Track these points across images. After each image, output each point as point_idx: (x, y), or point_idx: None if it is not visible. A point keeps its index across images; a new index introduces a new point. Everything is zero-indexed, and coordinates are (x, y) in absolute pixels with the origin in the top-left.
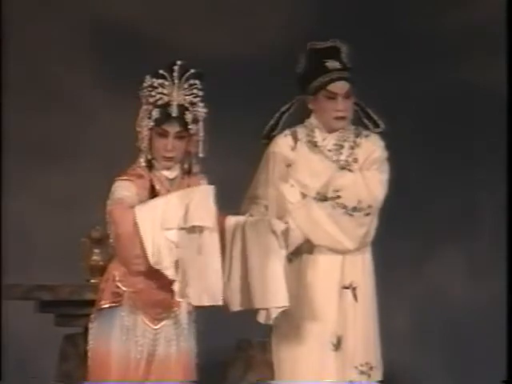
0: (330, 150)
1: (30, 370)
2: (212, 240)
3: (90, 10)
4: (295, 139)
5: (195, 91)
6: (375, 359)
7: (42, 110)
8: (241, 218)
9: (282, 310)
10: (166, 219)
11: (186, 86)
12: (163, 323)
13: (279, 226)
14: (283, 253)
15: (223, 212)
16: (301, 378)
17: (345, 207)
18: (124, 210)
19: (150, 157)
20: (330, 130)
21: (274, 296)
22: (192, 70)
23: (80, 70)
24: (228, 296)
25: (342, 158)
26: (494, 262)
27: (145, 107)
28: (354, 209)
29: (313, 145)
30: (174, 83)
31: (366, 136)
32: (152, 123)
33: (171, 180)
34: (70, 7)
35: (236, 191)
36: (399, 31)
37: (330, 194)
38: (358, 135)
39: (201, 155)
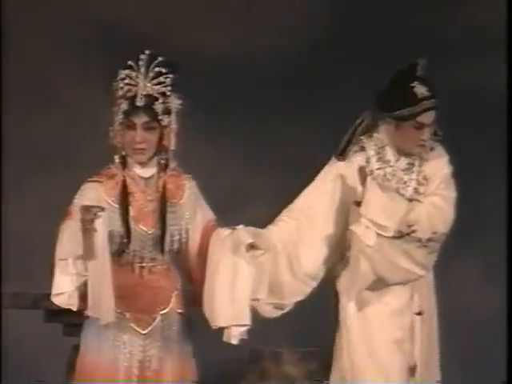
0: (403, 170)
1: (37, 380)
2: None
3: (90, 9)
4: (363, 171)
5: (162, 79)
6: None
7: (42, 112)
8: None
9: (244, 328)
10: (60, 250)
11: (152, 74)
12: (151, 327)
13: (246, 238)
14: (249, 268)
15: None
16: None
17: (419, 240)
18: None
19: (123, 153)
20: (404, 154)
21: (236, 314)
22: (160, 58)
23: (79, 71)
24: (211, 310)
25: (413, 177)
26: (493, 262)
27: (117, 101)
28: (430, 239)
29: (383, 163)
30: (140, 72)
31: (431, 149)
32: (121, 116)
33: (146, 179)
34: (70, 7)
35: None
36: (399, 31)
37: (405, 230)
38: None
39: (172, 148)
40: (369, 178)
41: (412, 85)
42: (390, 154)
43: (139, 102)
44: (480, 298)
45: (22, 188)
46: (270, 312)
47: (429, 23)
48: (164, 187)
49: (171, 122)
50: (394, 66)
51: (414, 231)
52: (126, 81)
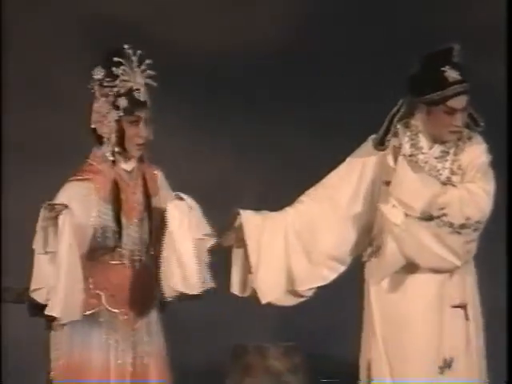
0: (436, 158)
1: (27, 373)
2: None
3: (90, 9)
4: (396, 151)
5: (150, 72)
6: (484, 376)
7: (42, 111)
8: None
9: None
10: (37, 246)
11: (143, 68)
12: (139, 323)
13: (183, 205)
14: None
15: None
16: None
17: (451, 225)
18: (37, 226)
19: (117, 149)
20: (439, 141)
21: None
22: (139, 51)
23: (79, 71)
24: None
25: (447, 165)
26: (493, 262)
27: (103, 100)
28: (463, 226)
29: (416, 150)
30: (132, 68)
31: (469, 138)
32: (121, 113)
33: (129, 173)
34: (70, 6)
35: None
36: (398, 31)
37: (436, 213)
38: (460, 138)
39: (151, 138)
40: (400, 158)
41: (443, 69)
42: (423, 140)
43: (142, 97)
44: (480, 298)
45: (21, 187)
46: (288, 300)
47: (429, 23)
48: (144, 178)
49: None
50: (393, 66)
51: (444, 214)
52: (122, 78)
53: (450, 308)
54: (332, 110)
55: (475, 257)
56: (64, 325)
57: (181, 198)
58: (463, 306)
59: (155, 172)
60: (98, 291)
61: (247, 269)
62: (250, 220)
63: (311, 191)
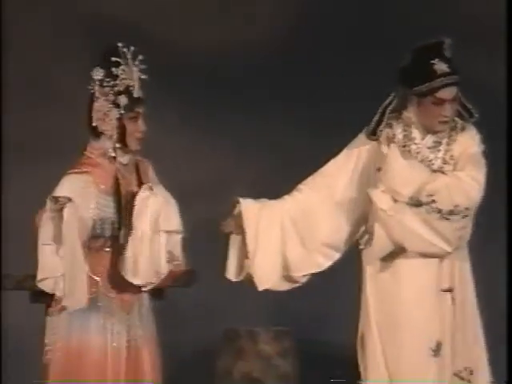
0: (428, 148)
1: (27, 359)
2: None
3: (90, 8)
4: (389, 140)
5: (142, 66)
6: (476, 364)
7: (42, 111)
8: None
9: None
10: (43, 236)
11: (137, 63)
12: (133, 307)
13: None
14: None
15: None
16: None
17: (440, 211)
18: (43, 218)
19: (118, 145)
20: (431, 132)
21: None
22: (133, 48)
23: (79, 70)
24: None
25: (440, 155)
26: (493, 262)
27: (103, 98)
28: (451, 212)
29: (409, 141)
30: (129, 66)
31: (462, 129)
32: (122, 111)
33: (125, 165)
34: (70, 6)
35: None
36: (398, 31)
37: (424, 199)
38: (454, 129)
39: (143, 129)
40: (392, 145)
41: (432, 61)
42: (415, 132)
43: (138, 93)
44: (479, 298)
45: (21, 180)
46: (283, 285)
47: (429, 23)
48: (137, 170)
49: None
50: (394, 66)
51: (433, 201)
52: (121, 77)
53: (440, 292)
54: (332, 110)
55: (475, 256)
56: (63, 310)
57: (151, 188)
58: (451, 290)
59: (146, 164)
60: (95, 277)
61: (244, 255)
62: (249, 208)
63: (309, 180)
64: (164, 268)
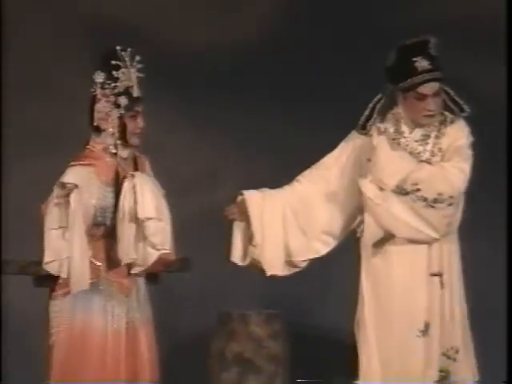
0: (416, 141)
1: (29, 341)
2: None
3: (90, 8)
4: (379, 132)
5: (139, 66)
6: (461, 343)
7: (43, 102)
8: None
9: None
10: (49, 221)
11: (134, 64)
12: (131, 291)
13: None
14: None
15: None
16: (388, 362)
17: (425, 199)
18: (49, 205)
19: (119, 142)
20: (418, 125)
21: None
22: (130, 49)
23: (79, 70)
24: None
25: (428, 148)
26: (494, 261)
27: (105, 99)
28: (435, 200)
29: (399, 134)
30: (128, 68)
31: (451, 122)
32: (122, 111)
33: (125, 159)
34: (70, 6)
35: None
36: (398, 31)
37: (410, 188)
38: (443, 123)
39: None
40: (381, 137)
41: (414, 59)
42: (404, 126)
43: (137, 93)
44: (479, 297)
45: (22, 169)
46: (285, 270)
47: (429, 23)
48: (136, 164)
49: None
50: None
51: (418, 189)
52: (121, 79)
53: (428, 276)
54: (332, 110)
55: (476, 255)
56: (67, 294)
57: (132, 176)
58: (440, 275)
59: (143, 159)
60: (97, 262)
61: (248, 240)
62: (252, 197)
63: (307, 172)
64: (147, 254)
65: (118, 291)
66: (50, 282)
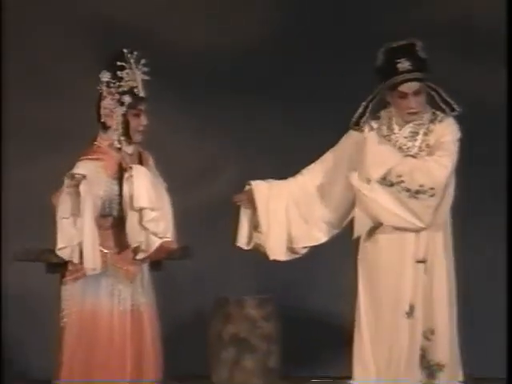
0: (405, 137)
1: (42, 321)
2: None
3: (90, 8)
4: (370, 129)
5: (145, 69)
6: (438, 325)
7: (43, 101)
8: None
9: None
10: (61, 210)
11: (139, 67)
12: (136, 276)
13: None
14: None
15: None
16: (377, 341)
17: (408, 190)
18: (60, 196)
19: (122, 138)
20: (405, 122)
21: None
22: (136, 52)
23: (79, 70)
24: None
25: (416, 144)
26: (494, 261)
27: (110, 97)
28: (417, 192)
29: (390, 131)
30: (132, 69)
31: (440, 121)
32: (125, 109)
33: (130, 155)
34: (70, 6)
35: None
36: (398, 30)
37: (394, 180)
38: (432, 121)
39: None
40: (371, 133)
41: (397, 60)
42: (395, 123)
43: (141, 93)
44: (479, 296)
45: (29, 161)
46: (286, 256)
47: (429, 24)
48: (140, 159)
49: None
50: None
51: (402, 181)
52: (125, 79)
53: (414, 262)
54: (332, 110)
55: (476, 255)
56: (77, 279)
57: (131, 168)
58: (424, 261)
59: (147, 155)
60: (104, 250)
61: (252, 227)
62: (259, 187)
63: (311, 166)
64: (150, 241)
65: (124, 277)
66: (60, 268)
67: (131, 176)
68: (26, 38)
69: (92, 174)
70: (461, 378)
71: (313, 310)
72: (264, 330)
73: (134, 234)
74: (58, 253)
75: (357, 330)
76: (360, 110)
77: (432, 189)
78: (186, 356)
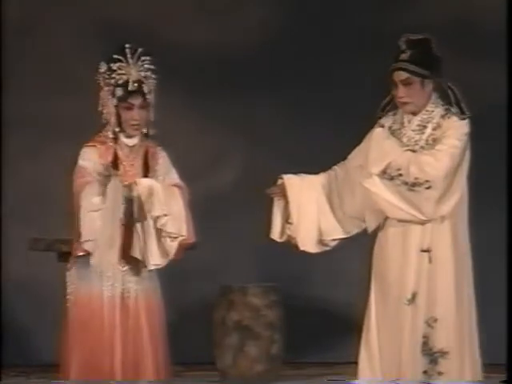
0: (413, 130)
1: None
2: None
3: (90, 9)
4: (379, 125)
5: (147, 66)
6: (442, 313)
7: (43, 101)
8: None
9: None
10: (86, 204)
11: (139, 63)
12: (130, 265)
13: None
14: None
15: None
16: (383, 328)
17: (406, 183)
18: (83, 183)
19: (117, 129)
20: (404, 112)
21: None
22: (140, 49)
23: (80, 70)
24: None
25: (424, 137)
26: (494, 260)
27: (106, 89)
28: (414, 184)
29: (401, 125)
30: (129, 63)
31: (449, 117)
32: (116, 101)
33: (131, 147)
34: (70, 6)
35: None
36: (398, 30)
37: (394, 173)
38: (443, 116)
39: (152, 120)
40: (379, 129)
41: (403, 50)
42: (405, 116)
43: (133, 88)
44: (479, 295)
45: (36, 152)
46: (317, 248)
47: (429, 23)
48: (146, 153)
49: (152, 99)
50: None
51: (400, 175)
52: (118, 72)
53: (419, 251)
54: (331, 110)
55: (476, 255)
56: (74, 264)
57: (135, 183)
58: (429, 251)
59: (158, 151)
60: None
61: (285, 219)
62: (291, 181)
63: (342, 162)
64: (168, 246)
65: (114, 261)
66: (71, 257)
67: (138, 194)
68: (26, 38)
69: (93, 161)
70: (469, 366)
71: (315, 299)
72: (267, 318)
73: (153, 255)
74: (84, 246)
75: (367, 317)
76: (386, 100)
77: (427, 181)
78: (191, 342)
